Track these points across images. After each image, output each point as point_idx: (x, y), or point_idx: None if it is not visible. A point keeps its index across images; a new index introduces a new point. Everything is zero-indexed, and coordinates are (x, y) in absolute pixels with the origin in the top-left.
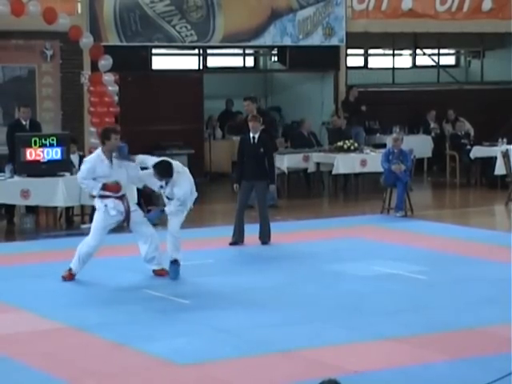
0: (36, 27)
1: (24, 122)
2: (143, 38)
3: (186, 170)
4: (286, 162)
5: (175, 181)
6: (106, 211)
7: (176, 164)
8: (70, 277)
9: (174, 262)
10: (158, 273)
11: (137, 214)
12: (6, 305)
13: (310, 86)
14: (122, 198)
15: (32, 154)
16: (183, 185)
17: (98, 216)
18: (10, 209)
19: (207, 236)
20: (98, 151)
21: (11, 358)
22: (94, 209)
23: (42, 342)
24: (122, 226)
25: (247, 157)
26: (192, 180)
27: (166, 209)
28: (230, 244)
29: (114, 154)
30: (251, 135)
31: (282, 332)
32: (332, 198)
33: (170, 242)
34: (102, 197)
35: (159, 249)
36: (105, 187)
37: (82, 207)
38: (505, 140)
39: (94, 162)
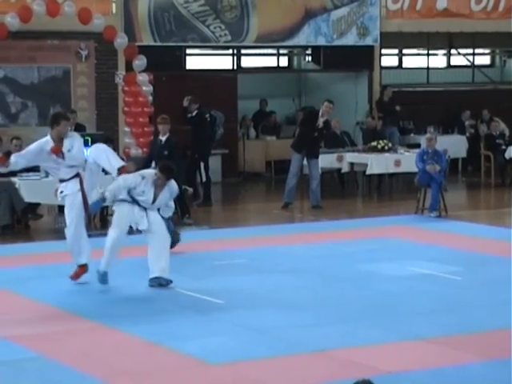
0: (71, 27)
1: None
2: (177, 38)
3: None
4: (319, 161)
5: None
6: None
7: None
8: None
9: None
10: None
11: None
12: (41, 303)
13: (344, 86)
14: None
15: None
16: None
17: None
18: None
19: (240, 235)
20: (48, 137)
21: (46, 356)
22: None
23: (76, 340)
24: None
25: (154, 158)
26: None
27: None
28: None
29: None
30: (159, 137)
31: (316, 332)
32: (366, 198)
33: None
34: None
35: None
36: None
37: None
38: None
39: (41, 145)
